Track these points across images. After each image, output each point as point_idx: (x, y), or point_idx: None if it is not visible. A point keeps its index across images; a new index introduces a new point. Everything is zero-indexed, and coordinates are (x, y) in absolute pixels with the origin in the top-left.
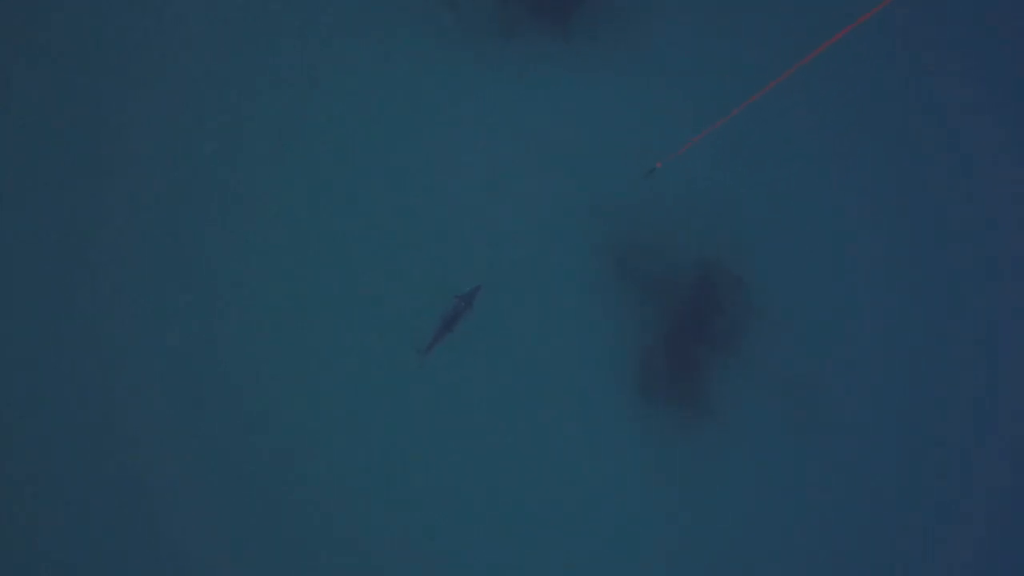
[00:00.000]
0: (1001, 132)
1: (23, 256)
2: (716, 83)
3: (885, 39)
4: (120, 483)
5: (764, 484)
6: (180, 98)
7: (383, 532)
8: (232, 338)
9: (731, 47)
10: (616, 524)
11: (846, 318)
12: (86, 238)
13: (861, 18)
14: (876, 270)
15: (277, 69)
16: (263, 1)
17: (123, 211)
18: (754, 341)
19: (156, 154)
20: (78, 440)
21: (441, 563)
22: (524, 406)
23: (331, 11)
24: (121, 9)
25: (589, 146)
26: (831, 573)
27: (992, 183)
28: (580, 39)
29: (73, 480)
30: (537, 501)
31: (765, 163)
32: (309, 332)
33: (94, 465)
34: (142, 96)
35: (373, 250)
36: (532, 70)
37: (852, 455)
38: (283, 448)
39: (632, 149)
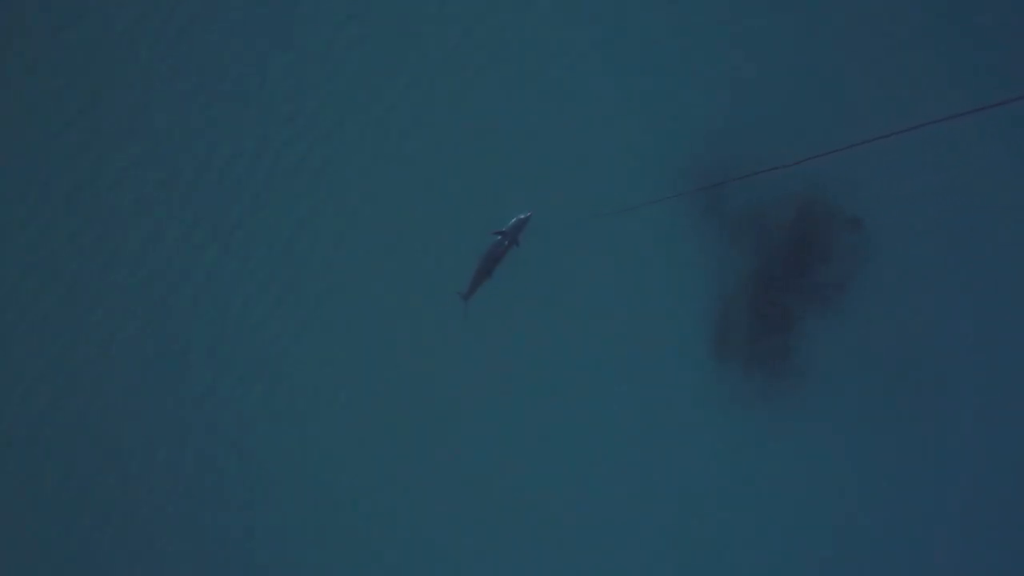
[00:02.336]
0: None
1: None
2: None
3: None
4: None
5: (857, 473)
6: None
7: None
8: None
9: None
10: (685, 505)
11: (984, 284)
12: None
13: None
14: None
15: None
16: None
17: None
18: (863, 299)
19: None
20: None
21: (498, 530)
22: (577, 367)
23: None
24: None
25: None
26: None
27: None
28: None
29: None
30: (595, 477)
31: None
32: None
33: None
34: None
35: (398, 172)
36: None
37: (966, 454)
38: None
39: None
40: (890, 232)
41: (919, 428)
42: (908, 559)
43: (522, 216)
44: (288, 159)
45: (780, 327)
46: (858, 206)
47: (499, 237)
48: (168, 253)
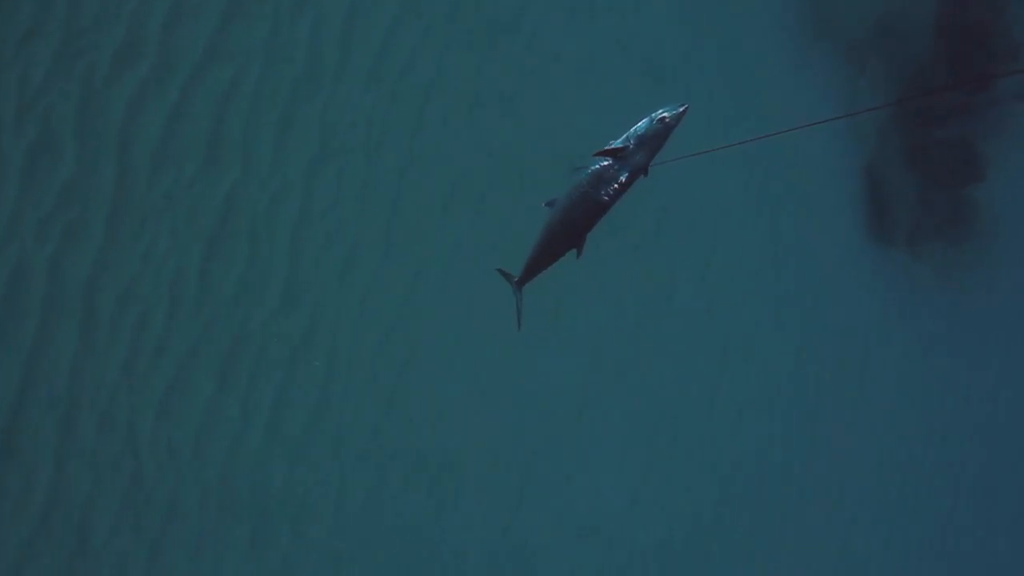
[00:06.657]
0: None
1: None
2: None
3: None
4: None
5: None
6: None
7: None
8: None
9: None
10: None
11: None
12: None
13: None
14: None
15: None
16: None
17: None
18: None
19: None
20: None
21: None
22: (714, 301)
23: None
24: None
25: None
26: None
27: None
28: None
29: None
30: (770, 400)
31: None
32: None
33: None
34: None
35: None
36: None
37: None
38: None
39: None
40: None
41: None
42: None
43: (666, 115)
44: None
45: (950, 174)
46: None
47: (605, 163)
48: None
